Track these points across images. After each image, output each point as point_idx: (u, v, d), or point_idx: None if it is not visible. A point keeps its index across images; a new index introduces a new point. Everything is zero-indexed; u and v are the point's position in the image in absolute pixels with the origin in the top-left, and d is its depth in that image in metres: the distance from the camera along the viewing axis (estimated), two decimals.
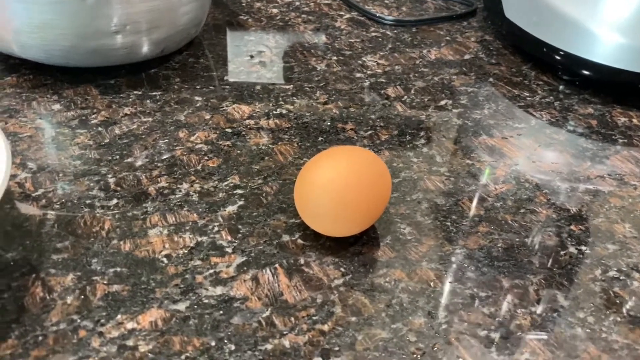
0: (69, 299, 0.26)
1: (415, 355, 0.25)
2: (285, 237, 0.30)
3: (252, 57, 0.47)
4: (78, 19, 0.39)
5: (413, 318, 0.26)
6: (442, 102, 0.43)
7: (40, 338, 0.24)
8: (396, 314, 0.26)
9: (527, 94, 0.45)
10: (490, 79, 0.47)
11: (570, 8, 0.46)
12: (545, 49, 0.48)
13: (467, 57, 0.50)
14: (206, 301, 0.26)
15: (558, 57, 0.47)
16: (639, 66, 0.44)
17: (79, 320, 0.25)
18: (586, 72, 0.46)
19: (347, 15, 0.56)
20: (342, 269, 0.28)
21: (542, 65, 0.49)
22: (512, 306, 0.27)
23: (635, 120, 0.43)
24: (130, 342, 0.24)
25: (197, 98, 0.41)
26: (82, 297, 0.26)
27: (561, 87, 0.47)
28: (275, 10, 0.56)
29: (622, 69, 0.44)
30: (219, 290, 0.27)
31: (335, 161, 0.29)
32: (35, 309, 0.25)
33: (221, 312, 0.26)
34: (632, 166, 0.38)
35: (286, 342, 0.25)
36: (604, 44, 0.44)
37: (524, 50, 0.51)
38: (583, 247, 0.31)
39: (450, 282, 0.28)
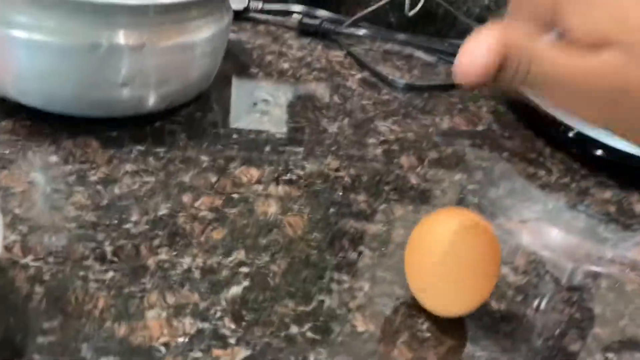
0: None
1: None
2: (294, 329, 0.28)
3: (255, 104, 0.46)
4: (85, 69, 0.37)
5: None
6: (457, 177, 0.42)
7: None
8: None
9: (543, 172, 0.44)
10: (505, 154, 0.46)
11: None
12: (559, 126, 0.47)
13: (480, 128, 0.49)
14: None
15: (571, 136, 0.46)
16: None
17: None
18: (599, 154, 0.45)
19: (359, 75, 0.55)
20: None
21: (556, 141, 0.48)
22: None
23: None
24: None
25: (203, 157, 0.39)
26: None
27: (576, 166, 0.46)
28: (286, 65, 0.54)
29: (633, 154, 0.43)
30: None
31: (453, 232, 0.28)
32: None
33: None
34: None
35: None
36: None
37: (537, 125, 0.50)
38: (610, 355, 0.29)
39: None
